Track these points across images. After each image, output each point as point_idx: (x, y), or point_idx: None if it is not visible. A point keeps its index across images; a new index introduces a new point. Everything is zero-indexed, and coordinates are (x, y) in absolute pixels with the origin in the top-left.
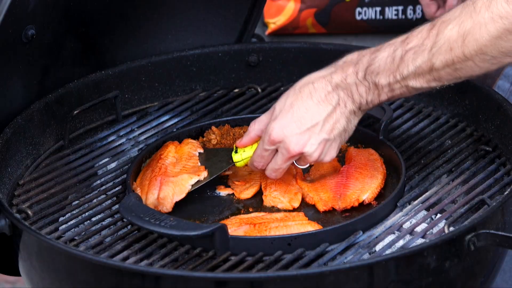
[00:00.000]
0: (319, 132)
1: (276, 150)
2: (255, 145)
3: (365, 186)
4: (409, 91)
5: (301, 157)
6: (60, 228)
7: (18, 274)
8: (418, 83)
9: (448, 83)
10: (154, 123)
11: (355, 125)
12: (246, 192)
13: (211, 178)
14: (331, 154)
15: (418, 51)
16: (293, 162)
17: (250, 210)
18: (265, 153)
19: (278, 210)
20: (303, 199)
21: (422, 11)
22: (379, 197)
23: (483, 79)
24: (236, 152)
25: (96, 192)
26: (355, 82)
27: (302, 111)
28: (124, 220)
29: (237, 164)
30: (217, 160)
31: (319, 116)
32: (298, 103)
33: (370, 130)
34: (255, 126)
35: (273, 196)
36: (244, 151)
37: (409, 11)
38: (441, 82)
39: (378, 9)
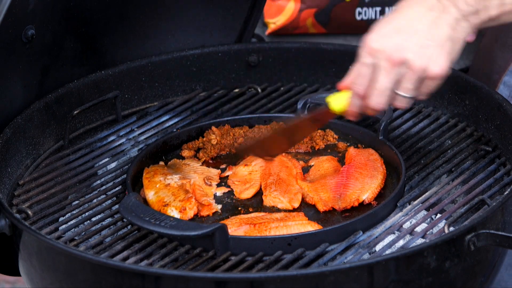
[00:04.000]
0: (422, 38)
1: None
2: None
3: (365, 186)
4: None
5: (404, 72)
6: (60, 228)
7: (18, 274)
8: None
9: None
10: (154, 123)
11: (463, 38)
12: (246, 192)
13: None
14: (439, 63)
15: None
16: (395, 94)
17: (250, 210)
18: (363, 68)
19: (278, 210)
20: (303, 199)
21: None
22: (379, 197)
23: (489, 75)
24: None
25: (96, 192)
26: None
27: (402, 21)
28: (124, 220)
29: (337, 109)
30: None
31: (420, 23)
32: (397, 15)
33: (370, 130)
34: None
35: (273, 196)
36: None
37: None
38: None
39: (378, 9)
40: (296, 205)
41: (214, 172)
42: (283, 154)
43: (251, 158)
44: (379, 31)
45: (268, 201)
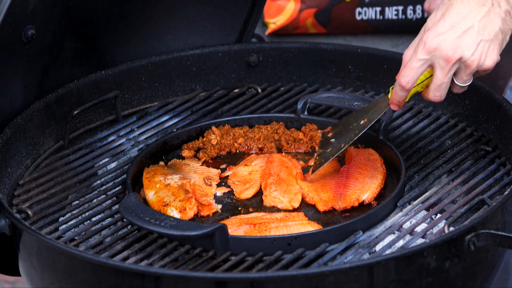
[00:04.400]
0: (476, 34)
1: (430, 67)
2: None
3: (365, 186)
4: None
5: (461, 67)
6: (60, 228)
7: (18, 274)
8: None
9: None
10: (154, 123)
11: (511, 28)
12: (246, 192)
13: (371, 125)
14: (492, 57)
15: None
16: (454, 82)
17: (250, 210)
18: (417, 64)
19: (278, 210)
20: (303, 199)
21: (422, 11)
22: (379, 197)
23: (494, 81)
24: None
25: (96, 192)
26: None
27: (455, 17)
28: (124, 220)
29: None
30: (377, 108)
31: (473, 19)
32: (449, 11)
33: (370, 130)
34: (409, 51)
35: (273, 196)
36: None
37: (409, 11)
38: None
39: (378, 9)
40: (296, 205)
41: (214, 172)
42: (283, 154)
43: (251, 158)
44: (435, 28)
45: (268, 201)
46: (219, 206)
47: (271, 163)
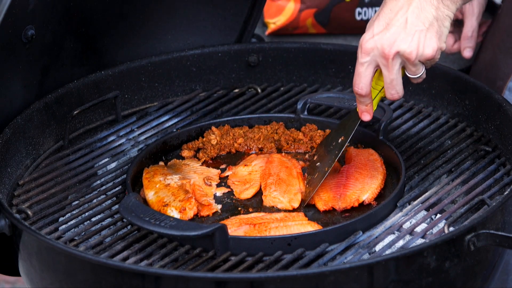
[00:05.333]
0: (409, 26)
1: (377, 68)
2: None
3: (365, 186)
4: None
5: (403, 60)
6: (60, 228)
7: (18, 274)
8: None
9: None
10: (154, 123)
11: (448, 16)
12: (246, 192)
13: (348, 141)
14: (431, 45)
15: None
16: (408, 76)
17: (250, 210)
18: (361, 68)
19: (278, 210)
20: (303, 199)
21: None
22: (379, 197)
23: (493, 81)
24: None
25: (96, 192)
26: None
27: (388, 14)
28: (124, 220)
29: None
30: (350, 123)
31: (405, 13)
32: (383, 10)
33: (370, 130)
34: None
35: (273, 196)
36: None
37: None
38: None
39: (378, 9)
40: (296, 205)
41: (214, 172)
42: (283, 154)
43: (251, 158)
44: (370, 29)
45: (268, 201)
46: (219, 206)
47: (271, 163)
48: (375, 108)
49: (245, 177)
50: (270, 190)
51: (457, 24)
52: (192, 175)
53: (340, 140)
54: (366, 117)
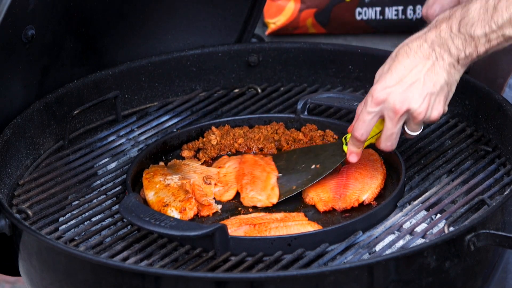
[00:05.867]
0: (422, 87)
1: (381, 118)
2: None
3: (365, 186)
4: (505, 40)
5: (409, 118)
6: (60, 228)
7: (18, 274)
8: None
9: None
10: (154, 123)
11: (457, 79)
12: (226, 195)
13: (325, 174)
14: (438, 109)
15: None
16: (404, 130)
17: (250, 210)
18: (367, 116)
19: (257, 209)
20: (303, 199)
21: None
22: (379, 197)
23: (493, 79)
24: (346, 144)
25: (96, 192)
26: (450, 35)
27: (401, 70)
28: (124, 220)
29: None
30: (329, 155)
31: (419, 72)
32: (396, 65)
33: None
34: (361, 105)
35: (251, 197)
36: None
37: (409, 11)
38: None
39: (378, 9)
40: (275, 200)
41: (214, 171)
42: (255, 153)
43: (224, 160)
44: (382, 81)
45: (247, 202)
46: (219, 206)
47: (244, 164)
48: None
49: (221, 179)
50: (246, 191)
51: None
52: (192, 175)
53: (314, 167)
54: (354, 159)
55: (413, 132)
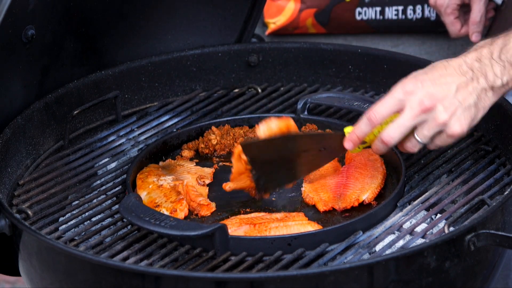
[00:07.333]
0: (454, 94)
1: (400, 110)
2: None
3: (365, 186)
4: None
5: (428, 120)
6: (60, 228)
7: (18, 274)
8: None
9: None
10: (154, 123)
11: (486, 107)
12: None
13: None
14: (461, 123)
15: None
16: (413, 135)
17: (248, 210)
18: (390, 100)
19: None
20: (303, 199)
21: (422, 11)
22: (379, 197)
23: None
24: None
25: (96, 192)
26: (490, 61)
27: (437, 75)
28: (124, 220)
29: (353, 151)
30: (328, 147)
31: (454, 82)
32: (431, 70)
33: None
34: (378, 109)
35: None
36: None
37: (409, 11)
38: None
39: (378, 9)
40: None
41: (208, 171)
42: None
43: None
44: (416, 77)
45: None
46: (213, 204)
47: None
48: (358, 150)
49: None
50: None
51: (464, 9)
52: (185, 175)
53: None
54: (350, 144)
55: (421, 139)
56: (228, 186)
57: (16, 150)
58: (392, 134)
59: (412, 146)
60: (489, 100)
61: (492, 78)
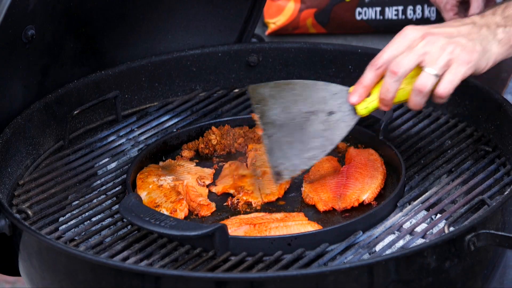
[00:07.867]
0: (465, 39)
1: (420, 64)
2: (376, 90)
3: (365, 186)
4: None
5: (448, 54)
6: (60, 228)
7: (18, 274)
8: None
9: None
10: (154, 123)
11: (489, 59)
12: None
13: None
14: (465, 56)
15: None
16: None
17: (248, 210)
18: (413, 33)
19: (274, 209)
20: (303, 199)
21: (422, 11)
22: (379, 197)
23: (497, 74)
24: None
25: (96, 192)
26: (492, 18)
27: (439, 26)
28: (124, 220)
29: (362, 112)
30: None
31: (459, 26)
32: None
33: (370, 130)
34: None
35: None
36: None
37: (409, 11)
38: None
39: (378, 9)
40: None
41: (208, 171)
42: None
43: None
44: (441, 27)
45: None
46: (213, 204)
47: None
48: (365, 111)
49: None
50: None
51: (464, 5)
52: (185, 176)
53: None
54: (355, 97)
55: (432, 69)
56: (214, 189)
57: (16, 150)
58: (404, 61)
59: (441, 92)
60: (493, 37)
61: (494, 27)
